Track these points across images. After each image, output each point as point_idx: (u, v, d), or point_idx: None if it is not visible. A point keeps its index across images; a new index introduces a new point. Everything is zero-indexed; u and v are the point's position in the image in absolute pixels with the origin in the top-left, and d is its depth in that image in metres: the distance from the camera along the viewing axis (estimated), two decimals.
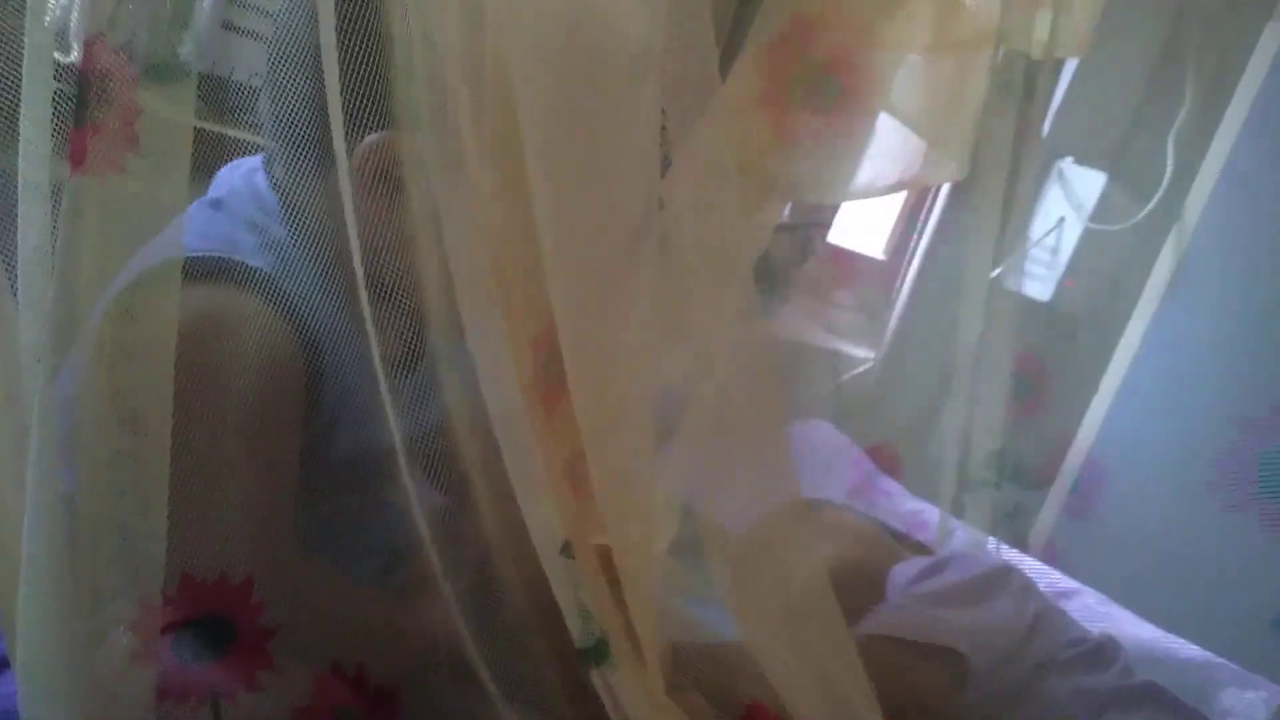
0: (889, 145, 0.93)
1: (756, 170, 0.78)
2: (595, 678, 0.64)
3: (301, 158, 0.66)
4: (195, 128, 0.84)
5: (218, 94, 0.91)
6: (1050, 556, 1.57)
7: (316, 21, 0.57)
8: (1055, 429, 1.64)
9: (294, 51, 0.67)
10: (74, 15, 0.64)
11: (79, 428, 0.58)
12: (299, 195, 0.67)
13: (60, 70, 0.57)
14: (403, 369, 0.74)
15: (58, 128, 0.56)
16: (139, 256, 0.65)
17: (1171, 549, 1.46)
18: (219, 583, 0.61)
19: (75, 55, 0.58)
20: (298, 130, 0.66)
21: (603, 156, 0.56)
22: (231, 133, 0.89)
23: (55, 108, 0.56)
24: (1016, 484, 1.51)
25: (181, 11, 0.60)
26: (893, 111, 0.91)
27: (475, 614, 0.65)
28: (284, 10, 0.71)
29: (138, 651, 0.59)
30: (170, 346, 0.60)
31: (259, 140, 0.84)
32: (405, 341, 0.75)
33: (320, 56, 0.57)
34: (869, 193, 0.98)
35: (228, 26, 0.89)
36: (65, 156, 0.55)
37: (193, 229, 0.68)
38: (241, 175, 0.71)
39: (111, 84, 0.55)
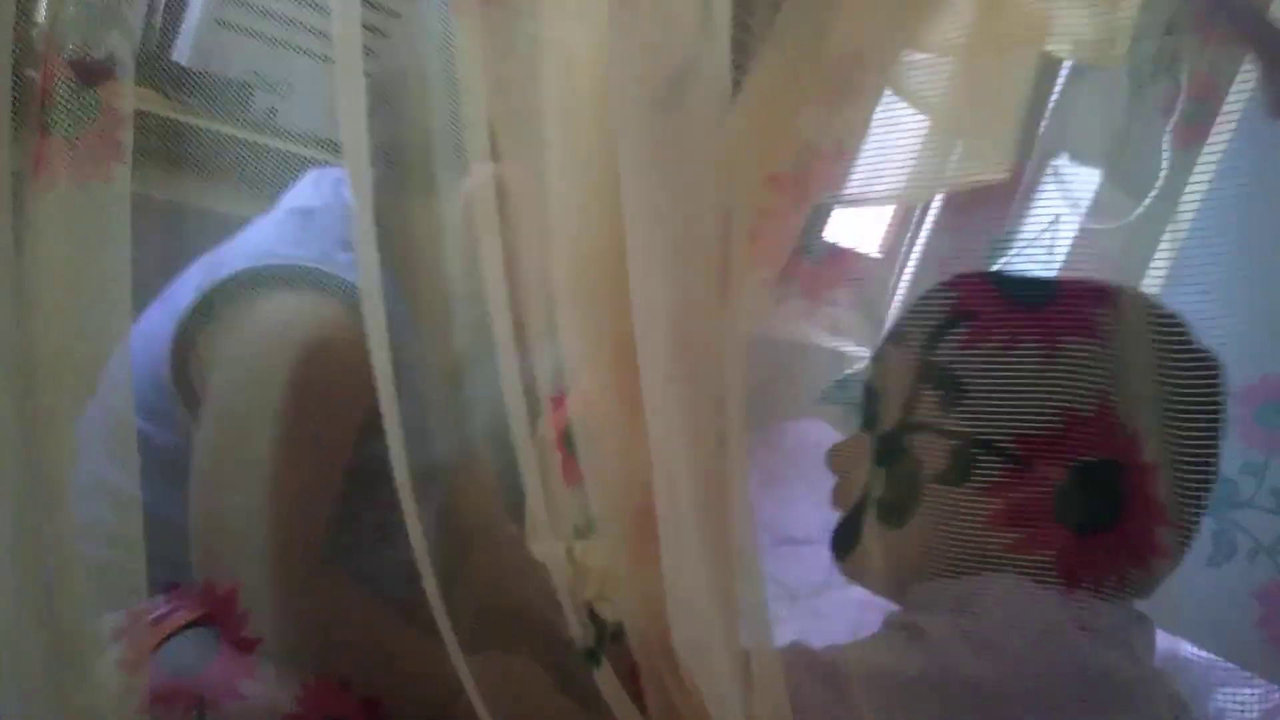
0: (931, 144, 0.93)
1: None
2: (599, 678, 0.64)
3: (406, 184, 0.66)
4: (192, 125, 0.84)
5: (213, 90, 0.91)
6: None
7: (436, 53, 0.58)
8: None
9: (407, 79, 0.68)
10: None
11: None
12: (398, 221, 0.68)
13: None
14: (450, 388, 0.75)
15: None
16: (214, 257, 0.66)
17: None
18: (204, 590, 0.62)
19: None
20: (404, 155, 0.66)
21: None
22: (225, 129, 0.89)
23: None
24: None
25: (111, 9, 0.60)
26: (931, 109, 0.91)
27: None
28: (400, 39, 0.72)
29: (129, 659, 0.59)
30: (257, 350, 0.61)
31: (255, 138, 0.84)
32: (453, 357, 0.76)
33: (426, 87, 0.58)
34: (914, 197, 0.98)
35: (222, 24, 0.89)
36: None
37: (285, 236, 0.69)
38: (331, 187, 0.71)
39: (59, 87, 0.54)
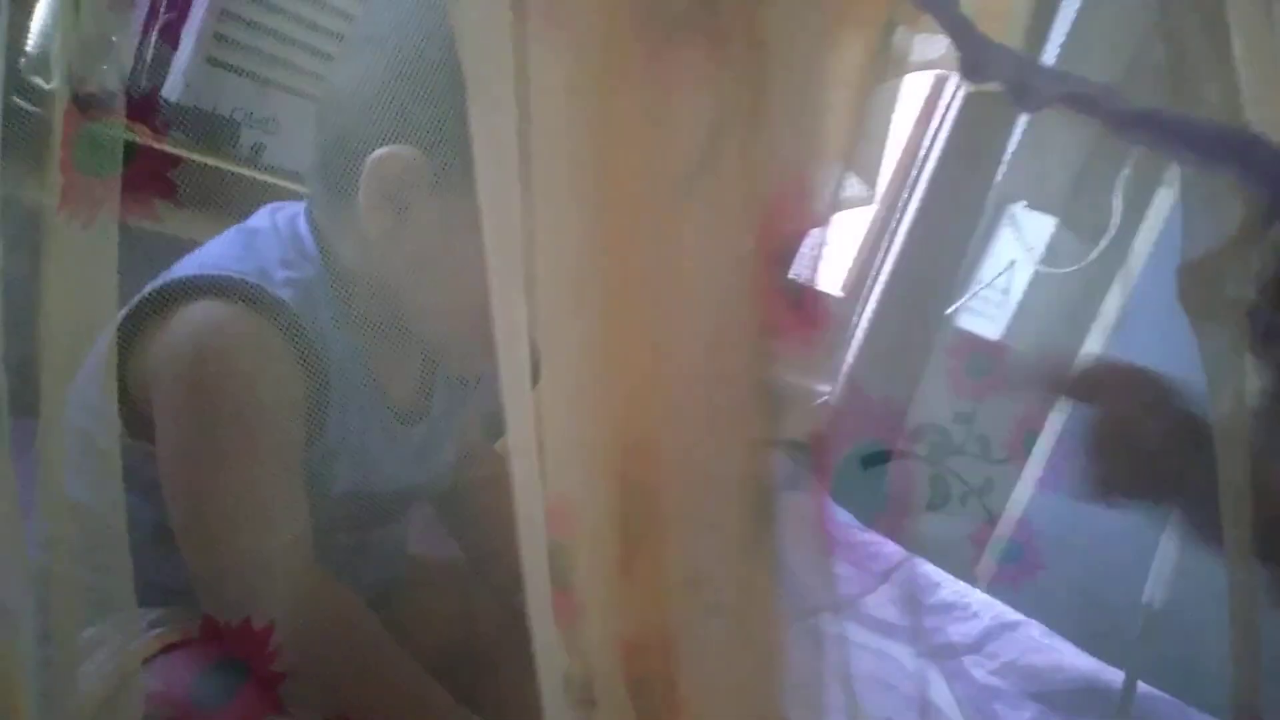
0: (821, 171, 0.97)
1: None
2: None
3: (337, 199, 0.69)
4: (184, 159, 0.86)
5: (201, 127, 0.93)
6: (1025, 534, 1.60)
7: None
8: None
9: (347, 102, 0.71)
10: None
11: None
12: (334, 238, 0.70)
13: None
14: (410, 418, 0.77)
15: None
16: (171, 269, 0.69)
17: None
18: (241, 628, 0.63)
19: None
20: (335, 175, 0.69)
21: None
22: (214, 163, 0.92)
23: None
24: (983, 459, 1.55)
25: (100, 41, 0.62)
26: (823, 141, 0.95)
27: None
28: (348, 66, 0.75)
29: (154, 693, 0.61)
30: (188, 359, 0.63)
31: (242, 171, 0.87)
32: (413, 390, 0.79)
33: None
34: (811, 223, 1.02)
35: (213, 62, 0.92)
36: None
37: (227, 251, 0.71)
38: (284, 218, 0.74)
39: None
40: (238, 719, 0.65)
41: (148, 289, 0.70)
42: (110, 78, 0.63)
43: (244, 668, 0.64)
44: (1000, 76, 0.66)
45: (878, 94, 1.05)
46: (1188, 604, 1.10)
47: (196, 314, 0.67)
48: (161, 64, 0.91)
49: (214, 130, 0.91)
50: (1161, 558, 1.15)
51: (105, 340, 0.71)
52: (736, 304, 0.52)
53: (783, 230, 0.65)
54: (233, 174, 0.89)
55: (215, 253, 0.71)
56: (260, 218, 0.75)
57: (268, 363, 0.67)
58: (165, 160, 0.60)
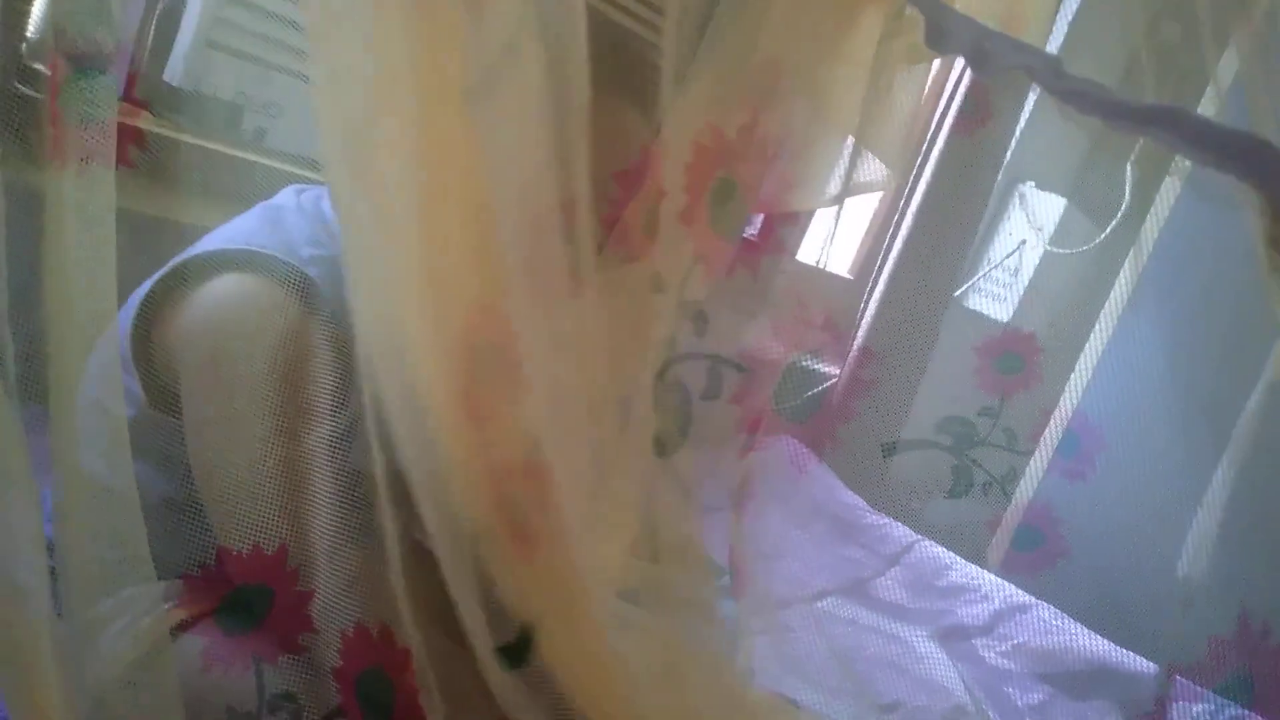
0: (826, 149, 0.97)
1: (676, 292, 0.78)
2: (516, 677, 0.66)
3: None
4: (183, 142, 0.87)
5: (204, 111, 0.93)
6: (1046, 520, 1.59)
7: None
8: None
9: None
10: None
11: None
12: None
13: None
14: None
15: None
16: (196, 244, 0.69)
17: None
18: (254, 554, 0.64)
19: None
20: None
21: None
22: (216, 147, 0.91)
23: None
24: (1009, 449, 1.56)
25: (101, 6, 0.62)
26: (833, 121, 0.94)
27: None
28: None
29: (184, 623, 0.62)
30: (214, 325, 0.64)
31: (249, 156, 0.87)
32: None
33: None
34: (820, 203, 1.01)
35: (214, 45, 0.91)
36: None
37: (252, 228, 0.72)
38: (309, 198, 0.75)
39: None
40: (268, 641, 0.65)
41: (175, 261, 0.70)
42: (105, 38, 0.63)
43: (268, 591, 0.65)
44: (961, 45, 0.67)
45: (901, 78, 1.05)
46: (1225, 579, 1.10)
47: (225, 286, 0.68)
48: (163, 48, 0.91)
49: (216, 115, 0.91)
50: (1198, 531, 1.15)
51: (126, 311, 0.71)
52: (545, 200, 0.56)
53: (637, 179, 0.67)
54: (238, 159, 0.89)
55: (243, 228, 0.72)
56: (285, 196, 0.76)
57: (294, 336, 0.67)
58: (129, 134, 0.61)
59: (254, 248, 0.68)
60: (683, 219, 0.74)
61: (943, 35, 0.69)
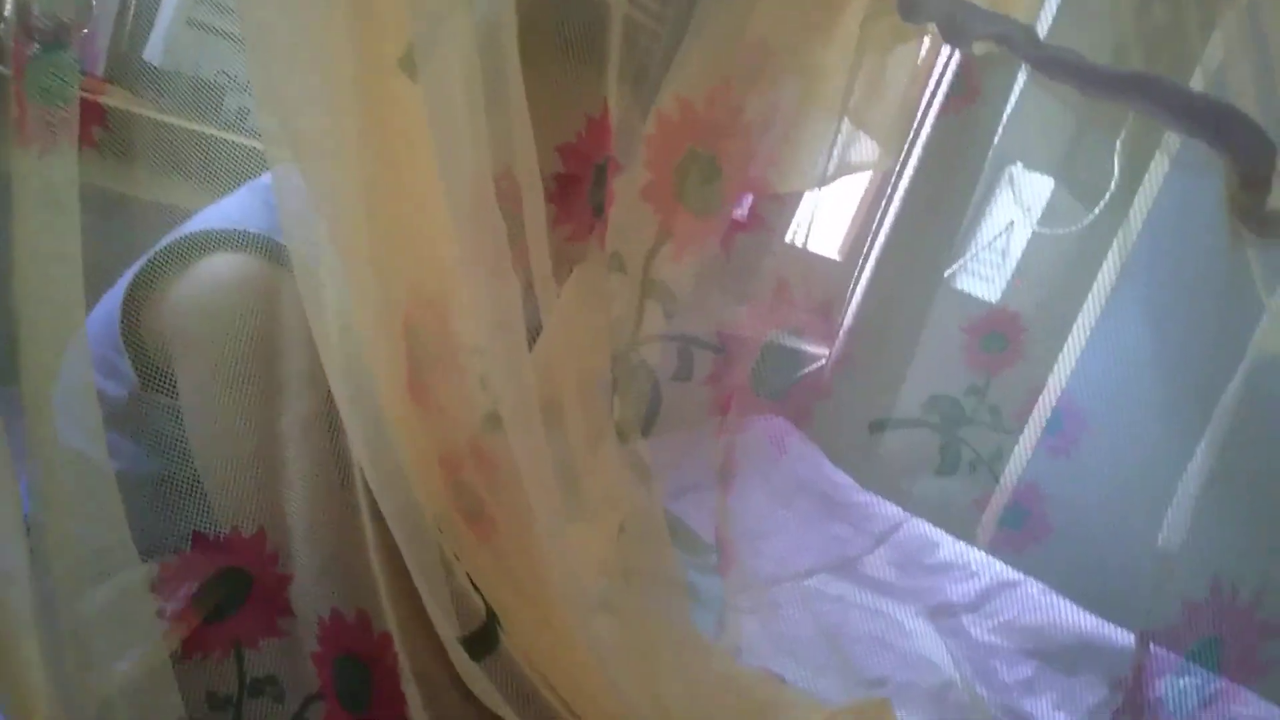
0: (816, 129, 0.96)
1: (639, 272, 0.78)
2: (485, 666, 0.66)
3: None
4: (162, 122, 0.86)
5: (185, 91, 0.92)
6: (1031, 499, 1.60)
7: None
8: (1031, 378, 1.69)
9: None
10: None
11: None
12: None
13: None
14: None
15: None
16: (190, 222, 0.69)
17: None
18: (231, 537, 0.64)
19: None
20: None
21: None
22: (199, 128, 0.91)
23: None
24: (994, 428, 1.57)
25: None
26: (823, 101, 0.94)
27: None
28: None
29: (162, 610, 0.62)
30: (203, 306, 0.63)
31: (229, 136, 0.87)
32: None
33: None
34: (808, 183, 1.01)
35: (193, 24, 0.91)
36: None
37: (242, 207, 0.71)
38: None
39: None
40: (248, 625, 0.65)
41: (165, 242, 0.70)
42: (66, 13, 0.63)
43: (247, 576, 0.65)
44: (935, 14, 0.67)
45: (893, 57, 1.04)
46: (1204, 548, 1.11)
47: (216, 267, 0.68)
48: (143, 27, 0.90)
49: (197, 95, 0.90)
50: (1179, 503, 1.15)
51: (116, 292, 0.71)
52: (484, 176, 0.55)
53: (584, 150, 0.67)
54: (217, 139, 0.88)
55: (231, 208, 0.72)
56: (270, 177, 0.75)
57: (287, 314, 0.67)
58: (94, 111, 0.60)
59: (243, 227, 0.68)
60: (645, 195, 0.74)
61: (915, 7, 0.69)
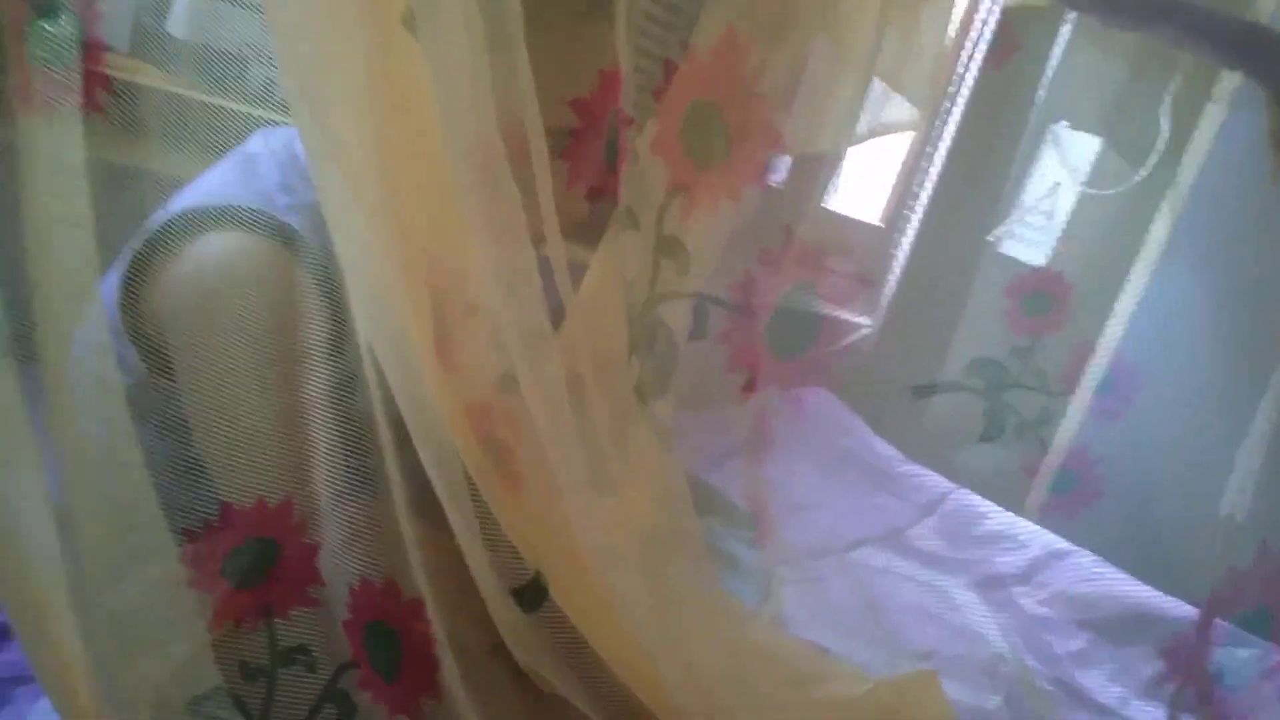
0: (847, 88, 0.93)
1: (652, 228, 0.75)
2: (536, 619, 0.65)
3: None
4: (188, 97, 0.85)
5: (209, 64, 0.91)
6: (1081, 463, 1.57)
7: None
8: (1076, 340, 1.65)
9: None
10: None
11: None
12: None
13: None
14: None
15: None
16: (166, 204, 0.68)
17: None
18: (258, 507, 0.63)
19: None
20: None
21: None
22: (220, 101, 0.90)
23: None
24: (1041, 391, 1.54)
25: None
26: (852, 59, 0.91)
27: None
28: None
29: (192, 579, 0.61)
30: (203, 288, 0.63)
31: (248, 110, 0.85)
32: None
33: None
34: (839, 144, 0.98)
35: None
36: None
37: (228, 178, 0.70)
38: (279, 139, 0.73)
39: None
40: (278, 594, 0.65)
41: (153, 225, 0.69)
42: None
43: (274, 545, 0.65)
44: None
45: (926, 10, 1.01)
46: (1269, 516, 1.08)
47: (207, 249, 0.67)
48: (165, 0, 0.89)
49: (221, 67, 0.89)
50: (1242, 470, 1.12)
51: (111, 277, 0.71)
52: (493, 134, 0.54)
53: (595, 106, 0.65)
54: (245, 114, 0.87)
55: (217, 181, 0.70)
56: (255, 143, 0.74)
57: (283, 287, 0.66)
58: (96, 79, 0.59)
59: (231, 201, 0.67)
60: (655, 148, 0.72)
61: None
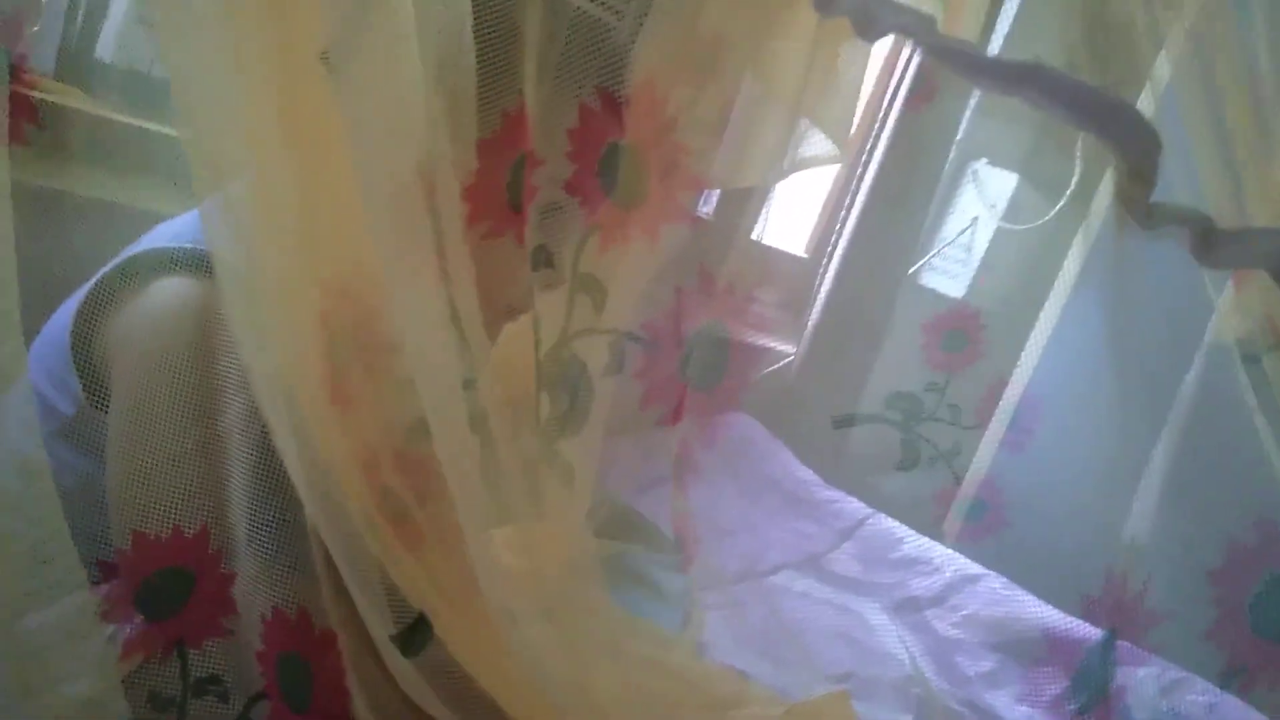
0: (773, 124, 0.96)
1: (567, 266, 0.76)
2: (417, 664, 0.65)
3: None
4: (117, 122, 0.85)
5: (136, 89, 0.91)
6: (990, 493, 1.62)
7: None
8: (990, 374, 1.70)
9: None
10: None
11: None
12: None
13: None
14: None
15: None
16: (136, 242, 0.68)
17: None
18: (174, 536, 0.63)
19: None
20: None
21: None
22: (151, 127, 0.90)
23: None
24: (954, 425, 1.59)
25: None
26: (778, 95, 0.94)
27: None
28: None
29: (101, 610, 0.61)
30: (151, 330, 0.63)
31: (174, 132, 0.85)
32: None
33: None
34: (763, 178, 1.01)
35: (145, 21, 0.90)
36: None
37: (197, 223, 0.70)
38: None
39: None
40: (191, 625, 0.65)
41: (119, 260, 0.69)
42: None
43: (188, 575, 0.64)
44: (848, 8, 0.67)
45: (848, 52, 1.04)
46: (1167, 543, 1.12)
47: (166, 291, 0.67)
48: (94, 25, 0.90)
49: (149, 91, 0.90)
50: (1143, 497, 1.17)
51: (69, 306, 0.70)
52: (408, 171, 0.55)
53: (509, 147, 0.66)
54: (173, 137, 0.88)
55: (188, 223, 0.71)
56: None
57: (221, 329, 0.66)
58: (24, 105, 0.60)
59: (198, 246, 0.67)
60: (569, 188, 0.73)
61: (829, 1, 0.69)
